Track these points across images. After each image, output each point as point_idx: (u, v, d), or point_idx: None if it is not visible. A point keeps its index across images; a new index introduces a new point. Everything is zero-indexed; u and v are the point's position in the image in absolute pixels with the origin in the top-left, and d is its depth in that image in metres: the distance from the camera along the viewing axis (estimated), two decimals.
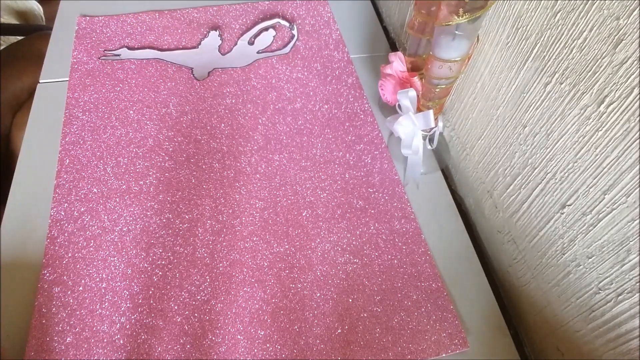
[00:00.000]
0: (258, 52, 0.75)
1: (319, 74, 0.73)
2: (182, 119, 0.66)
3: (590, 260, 0.42)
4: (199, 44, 0.75)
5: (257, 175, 0.61)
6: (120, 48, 0.73)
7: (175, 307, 0.51)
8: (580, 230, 0.42)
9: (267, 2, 0.83)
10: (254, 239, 0.56)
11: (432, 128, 0.59)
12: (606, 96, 0.37)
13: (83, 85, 0.68)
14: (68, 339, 0.48)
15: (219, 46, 0.75)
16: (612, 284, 0.40)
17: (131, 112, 0.66)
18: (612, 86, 0.36)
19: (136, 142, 0.63)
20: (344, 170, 0.63)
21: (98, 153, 0.61)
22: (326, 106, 0.70)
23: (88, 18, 0.77)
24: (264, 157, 0.63)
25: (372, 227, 0.58)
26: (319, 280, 0.53)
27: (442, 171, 0.65)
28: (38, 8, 1.20)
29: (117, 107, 0.66)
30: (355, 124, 0.68)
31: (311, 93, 0.71)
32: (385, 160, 0.64)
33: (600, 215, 0.40)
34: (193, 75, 0.71)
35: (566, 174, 0.43)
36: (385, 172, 0.63)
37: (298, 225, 0.57)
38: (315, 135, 0.66)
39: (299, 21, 0.81)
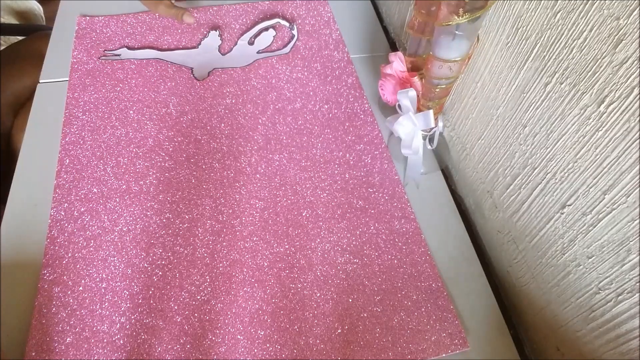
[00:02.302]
0: (258, 52, 0.75)
1: (319, 74, 0.73)
2: (182, 119, 0.66)
3: (590, 260, 0.42)
4: (199, 44, 0.75)
5: (257, 175, 0.61)
6: (120, 48, 0.73)
7: (175, 307, 0.51)
8: (580, 230, 0.42)
9: (267, 2, 0.83)
10: (254, 239, 0.56)
11: (432, 128, 0.59)
12: (606, 96, 0.37)
13: (83, 85, 0.68)
14: (68, 339, 0.48)
15: (219, 46, 0.75)
16: (612, 284, 0.40)
17: (131, 112, 0.66)
18: (612, 86, 0.36)
19: (136, 142, 0.63)
20: (344, 170, 0.63)
21: (98, 153, 0.61)
22: (326, 106, 0.70)
23: (88, 18, 0.77)
24: (264, 157, 0.63)
25: (372, 227, 0.58)
26: (319, 280, 0.53)
27: (442, 171, 0.65)
28: (38, 8, 1.20)
29: (117, 107, 0.66)
30: (355, 124, 0.68)
31: (311, 93, 0.71)
32: (385, 160, 0.64)
33: (600, 215, 0.40)
34: (193, 75, 0.71)
35: (566, 174, 0.43)
36: (385, 172, 0.63)
37: (298, 225, 0.57)
38: (315, 135, 0.66)
39: (299, 21, 0.81)
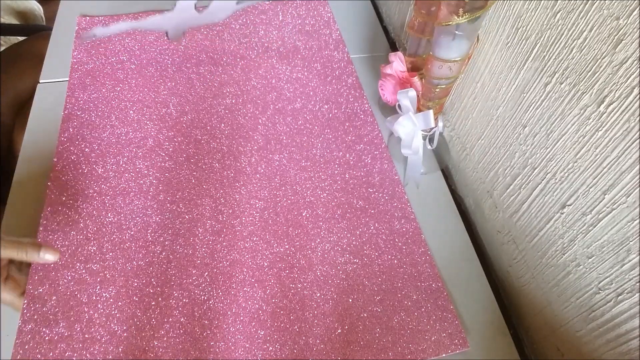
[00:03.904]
0: (237, 3, 0.72)
1: (319, 74, 0.73)
2: (182, 119, 0.66)
3: (590, 260, 0.42)
4: (174, 6, 0.72)
5: (257, 175, 0.61)
6: (93, 28, 0.71)
7: (175, 307, 0.51)
8: (580, 230, 0.42)
9: (267, 3, 0.83)
10: (254, 239, 0.56)
11: (432, 128, 0.59)
12: (606, 96, 0.37)
13: (83, 85, 0.68)
14: (66, 338, 0.48)
15: (194, 5, 0.72)
16: (612, 284, 0.40)
17: (131, 112, 0.66)
18: (612, 86, 0.36)
19: (136, 142, 0.63)
20: (344, 170, 0.63)
21: (98, 152, 0.61)
22: (326, 106, 0.70)
23: (88, 18, 0.77)
24: (264, 157, 0.63)
25: (372, 227, 0.58)
26: (319, 280, 0.53)
27: (442, 171, 0.65)
28: (38, 8, 1.20)
29: (117, 107, 0.66)
30: (355, 124, 0.68)
31: (311, 93, 0.71)
32: (385, 160, 0.64)
33: (600, 215, 0.40)
34: (167, 37, 0.69)
35: (566, 174, 0.43)
36: (385, 172, 0.63)
37: (298, 225, 0.57)
38: (315, 135, 0.66)
39: (299, 21, 0.81)
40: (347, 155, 0.64)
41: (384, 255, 0.56)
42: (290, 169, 0.62)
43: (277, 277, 0.53)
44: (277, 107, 0.69)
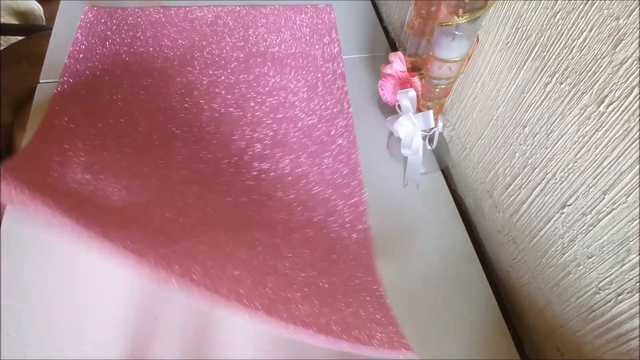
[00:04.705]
0: None
1: (315, 77, 0.73)
2: (180, 118, 0.66)
3: (590, 260, 0.42)
4: None
5: (247, 182, 0.61)
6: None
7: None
8: (580, 230, 0.42)
9: (268, 6, 0.83)
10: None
11: (432, 128, 0.59)
12: (606, 96, 0.37)
13: (82, 85, 0.68)
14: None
15: None
16: (612, 284, 0.40)
17: (130, 111, 0.66)
18: (612, 86, 0.36)
19: (135, 141, 0.63)
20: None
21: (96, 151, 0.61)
22: (322, 109, 0.69)
23: (95, 9, 0.77)
24: (265, 157, 0.63)
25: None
26: None
27: (442, 171, 0.65)
28: (38, 8, 1.20)
29: (116, 106, 0.66)
30: (335, 139, 0.67)
31: (305, 96, 0.71)
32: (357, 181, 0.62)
33: (600, 215, 0.40)
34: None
35: (566, 174, 0.43)
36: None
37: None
38: (305, 138, 0.66)
39: (299, 26, 0.81)
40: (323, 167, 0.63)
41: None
42: (281, 174, 0.62)
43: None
44: (270, 111, 0.68)
